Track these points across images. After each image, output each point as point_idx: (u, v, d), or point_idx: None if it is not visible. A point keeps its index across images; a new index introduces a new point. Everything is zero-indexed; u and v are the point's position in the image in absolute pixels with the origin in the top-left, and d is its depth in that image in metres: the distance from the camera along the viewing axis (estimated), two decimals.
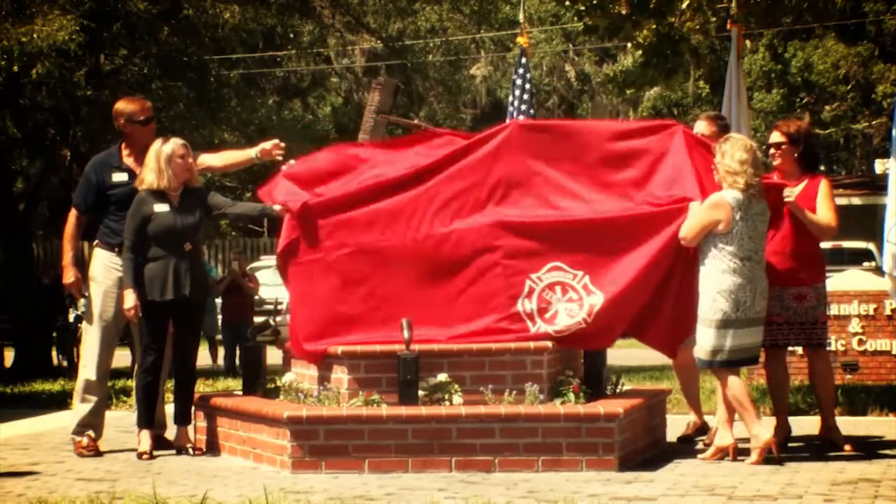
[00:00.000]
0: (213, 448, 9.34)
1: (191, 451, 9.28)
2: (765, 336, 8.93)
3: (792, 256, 9.04)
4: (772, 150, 9.33)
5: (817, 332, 9.12)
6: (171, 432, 9.52)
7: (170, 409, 9.56)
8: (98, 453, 9.43)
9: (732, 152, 8.51)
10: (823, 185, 9.15)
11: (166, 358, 9.44)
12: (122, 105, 9.84)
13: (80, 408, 9.59)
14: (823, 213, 9.05)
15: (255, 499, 7.32)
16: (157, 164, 9.27)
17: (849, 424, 9.82)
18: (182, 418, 9.42)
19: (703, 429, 9.69)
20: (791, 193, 8.95)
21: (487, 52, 35.76)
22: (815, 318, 9.08)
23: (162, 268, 9.20)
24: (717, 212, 8.46)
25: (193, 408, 9.52)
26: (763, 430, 8.49)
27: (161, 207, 9.25)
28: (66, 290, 10.23)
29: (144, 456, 9.15)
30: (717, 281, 8.45)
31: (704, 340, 8.53)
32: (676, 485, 7.79)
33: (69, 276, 9.69)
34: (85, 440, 9.49)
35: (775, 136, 9.35)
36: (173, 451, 9.35)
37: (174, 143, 9.34)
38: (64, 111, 19.60)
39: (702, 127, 9.64)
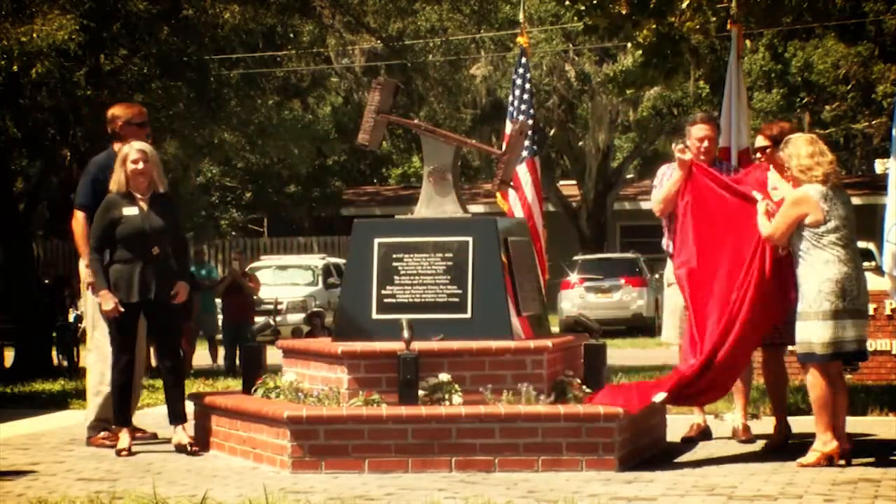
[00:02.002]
0: (213, 448, 9.34)
1: (188, 448, 9.26)
2: (764, 336, 8.92)
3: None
4: (757, 155, 9.34)
5: None
6: (170, 432, 9.52)
7: (163, 410, 9.57)
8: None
9: (798, 150, 8.44)
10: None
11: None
12: (119, 110, 9.97)
13: (94, 401, 9.67)
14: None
15: (255, 499, 7.32)
16: (116, 166, 9.31)
17: (849, 424, 9.79)
18: (176, 417, 9.41)
19: (706, 431, 9.68)
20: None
21: (487, 52, 35.65)
22: None
23: (128, 271, 9.18)
24: (801, 207, 8.38)
25: (193, 407, 9.52)
26: (831, 437, 8.37)
27: (130, 210, 9.22)
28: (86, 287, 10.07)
29: (123, 452, 9.20)
30: (822, 272, 8.31)
31: (810, 334, 8.33)
32: (676, 485, 7.79)
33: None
34: (104, 433, 9.64)
35: (759, 140, 9.37)
36: (172, 450, 9.35)
37: (130, 147, 9.34)
38: (64, 111, 19.59)
39: (703, 131, 9.58)
